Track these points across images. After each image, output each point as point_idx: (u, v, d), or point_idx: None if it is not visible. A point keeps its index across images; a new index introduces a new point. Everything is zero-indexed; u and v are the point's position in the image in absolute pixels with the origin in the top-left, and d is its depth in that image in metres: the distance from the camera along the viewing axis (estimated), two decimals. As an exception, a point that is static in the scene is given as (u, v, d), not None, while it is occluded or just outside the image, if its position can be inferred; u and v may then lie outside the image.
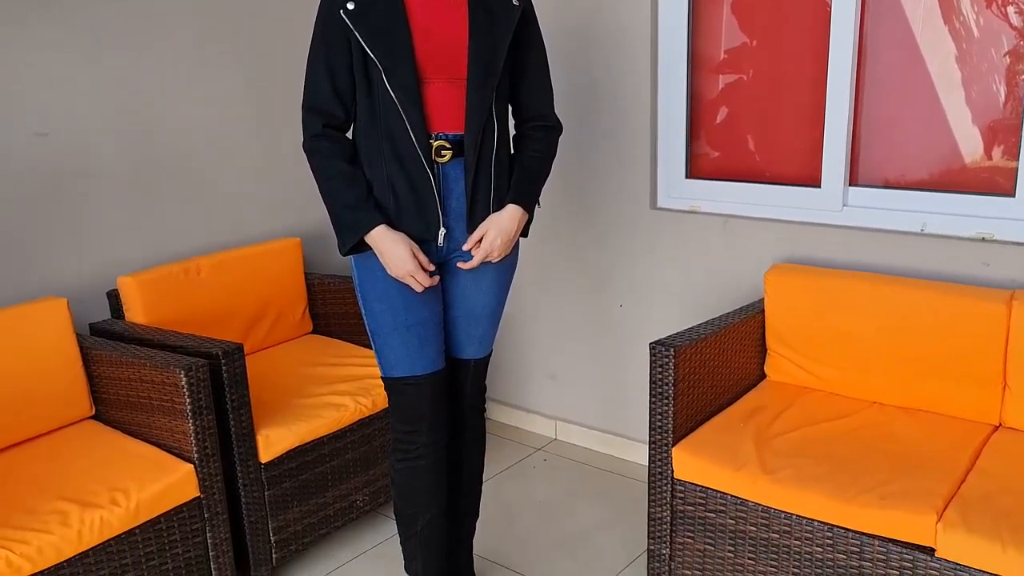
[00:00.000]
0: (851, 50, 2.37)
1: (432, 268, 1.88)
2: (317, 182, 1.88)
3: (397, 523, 2.10)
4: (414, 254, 1.84)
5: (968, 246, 2.26)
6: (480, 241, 1.89)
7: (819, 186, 2.51)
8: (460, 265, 1.93)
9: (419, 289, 1.85)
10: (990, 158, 2.29)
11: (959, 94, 2.31)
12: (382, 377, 1.98)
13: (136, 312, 2.54)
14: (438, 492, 2.05)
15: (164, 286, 2.59)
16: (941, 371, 2.18)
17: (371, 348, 2.03)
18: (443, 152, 1.84)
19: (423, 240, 1.88)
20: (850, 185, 2.49)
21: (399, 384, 1.95)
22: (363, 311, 1.95)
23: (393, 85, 1.79)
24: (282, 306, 2.91)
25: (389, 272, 1.85)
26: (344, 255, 1.88)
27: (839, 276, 2.34)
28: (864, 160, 2.49)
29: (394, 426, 2.01)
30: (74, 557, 1.90)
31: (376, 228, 1.82)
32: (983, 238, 2.25)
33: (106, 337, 2.47)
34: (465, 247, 1.91)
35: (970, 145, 2.32)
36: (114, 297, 2.58)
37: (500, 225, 1.90)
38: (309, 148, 1.87)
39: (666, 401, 2.12)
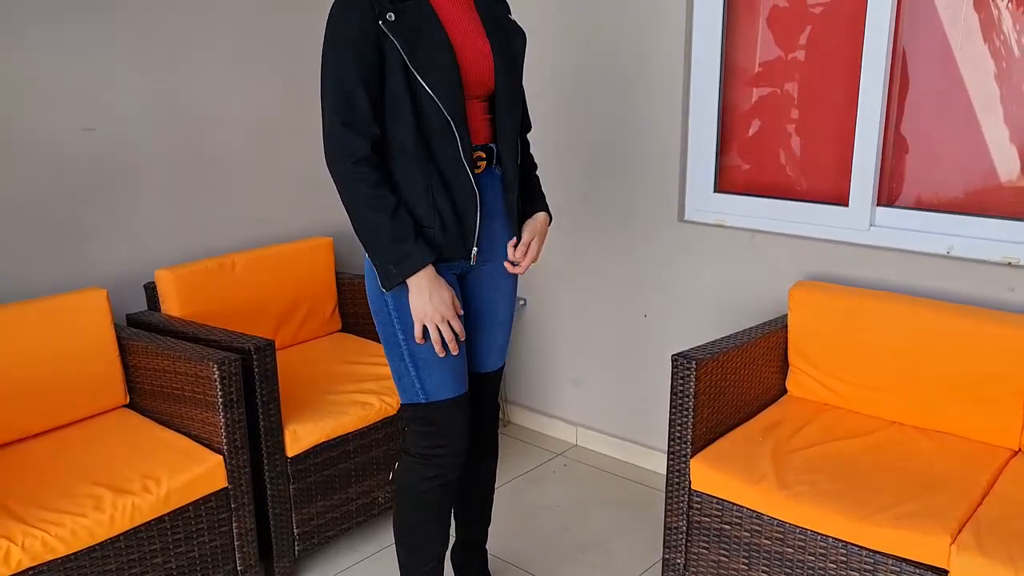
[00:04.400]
0: (883, 69, 2.38)
1: (463, 312, 1.88)
2: (356, 211, 1.75)
3: (409, 559, 2.05)
4: (453, 299, 1.82)
5: (994, 270, 2.27)
6: (526, 248, 1.95)
7: (847, 205, 2.53)
8: (511, 269, 1.95)
9: (448, 337, 1.81)
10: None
11: (997, 113, 2.31)
12: (418, 404, 1.89)
13: (172, 304, 2.61)
14: (450, 518, 2.04)
15: (199, 280, 2.66)
16: (962, 394, 2.19)
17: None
18: (479, 163, 1.87)
19: (459, 260, 1.87)
20: (878, 205, 2.50)
21: (444, 407, 1.89)
22: (400, 339, 1.85)
23: (444, 102, 1.73)
24: (313, 303, 2.97)
25: (417, 313, 1.79)
26: (389, 290, 1.78)
27: (863, 295, 2.35)
28: (893, 180, 2.50)
29: (425, 451, 1.93)
30: (106, 541, 1.96)
31: (428, 266, 1.77)
32: (1009, 263, 2.25)
33: (142, 328, 2.54)
34: (517, 256, 1.94)
35: (1006, 165, 2.32)
36: (151, 289, 2.66)
37: (540, 231, 1.98)
38: (351, 173, 1.72)
39: (686, 413, 2.15)
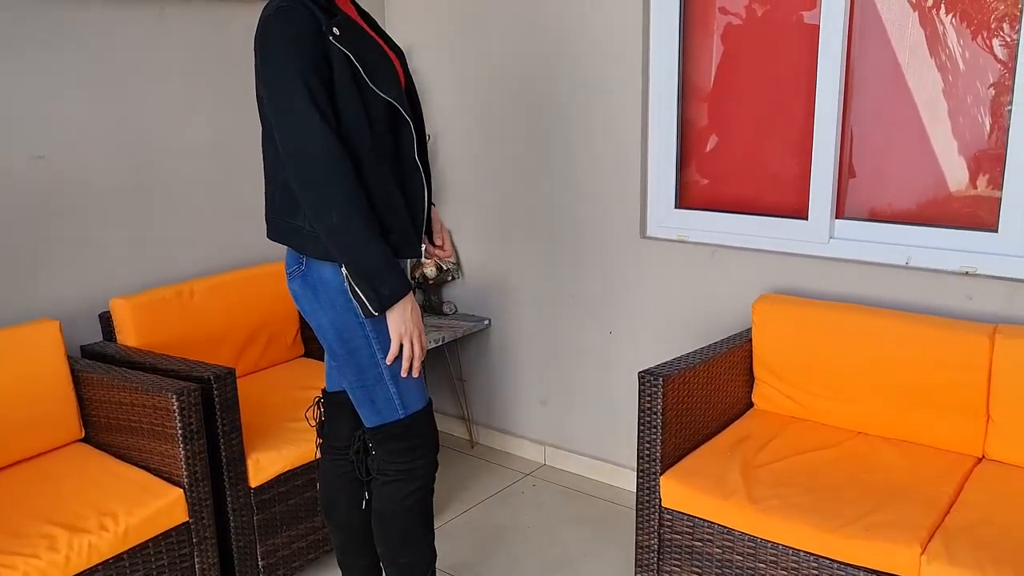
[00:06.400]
0: (838, 84, 2.42)
1: None
2: (353, 235, 1.70)
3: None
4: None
5: (952, 280, 2.30)
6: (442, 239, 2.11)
7: (806, 218, 2.55)
8: (440, 255, 2.09)
9: (419, 351, 1.83)
10: (975, 187, 2.34)
11: (945, 125, 2.35)
12: (395, 421, 1.88)
13: (128, 334, 2.54)
14: (433, 514, 2.07)
15: (156, 309, 2.60)
16: (925, 402, 2.21)
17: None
18: None
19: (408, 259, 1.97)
20: (836, 218, 2.52)
21: (421, 416, 1.91)
22: (379, 359, 1.83)
23: (402, 106, 1.81)
24: (274, 330, 2.92)
25: (398, 330, 1.78)
26: (379, 312, 1.75)
27: (825, 307, 2.37)
28: (851, 192, 2.53)
29: (405, 466, 1.93)
30: (61, 582, 1.90)
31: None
32: (967, 272, 2.29)
33: (97, 359, 2.47)
34: (444, 246, 2.09)
35: (956, 176, 2.36)
36: (106, 319, 2.59)
37: (440, 220, 2.12)
38: (350, 192, 1.70)
39: (654, 430, 2.14)
